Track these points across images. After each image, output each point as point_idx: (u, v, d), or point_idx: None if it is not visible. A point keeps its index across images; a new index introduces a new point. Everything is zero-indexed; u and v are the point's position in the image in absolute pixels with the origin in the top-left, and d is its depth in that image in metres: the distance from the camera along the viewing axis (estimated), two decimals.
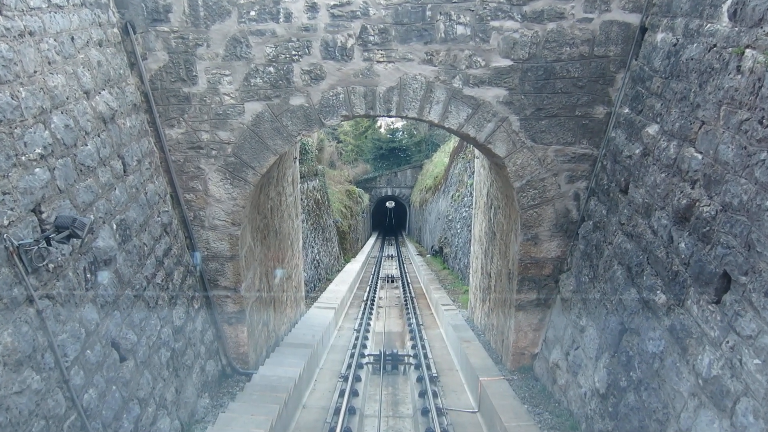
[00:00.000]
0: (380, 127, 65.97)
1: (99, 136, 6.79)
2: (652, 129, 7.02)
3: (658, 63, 7.31)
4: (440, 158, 43.82)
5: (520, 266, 9.26)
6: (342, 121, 8.66)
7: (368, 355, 13.43)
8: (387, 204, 57.90)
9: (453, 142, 39.77)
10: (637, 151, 7.29)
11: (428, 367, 12.25)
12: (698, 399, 5.03)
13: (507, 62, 8.31)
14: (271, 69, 8.37)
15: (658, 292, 6.05)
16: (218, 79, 8.41)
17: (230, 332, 9.62)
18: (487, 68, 8.35)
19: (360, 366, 12.49)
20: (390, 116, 8.64)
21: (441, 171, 38.36)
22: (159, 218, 8.11)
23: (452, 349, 13.61)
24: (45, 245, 5.07)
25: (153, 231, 7.83)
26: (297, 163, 14.38)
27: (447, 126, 8.61)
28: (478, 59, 8.31)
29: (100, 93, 7.07)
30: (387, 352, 13.21)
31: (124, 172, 7.36)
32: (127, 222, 7.08)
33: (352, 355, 13.22)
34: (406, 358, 13.36)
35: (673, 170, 6.28)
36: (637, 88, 7.84)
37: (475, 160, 14.35)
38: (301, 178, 22.99)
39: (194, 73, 8.38)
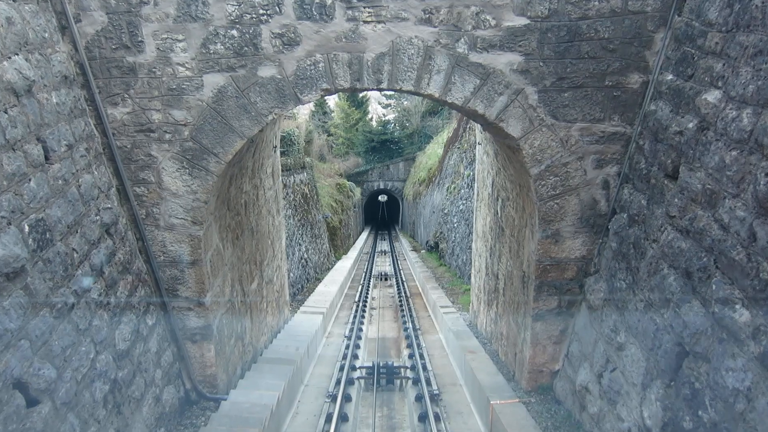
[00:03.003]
0: (371, 119, 64.67)
1: (6, 113, 5.24)
2: (712, 96, 5.54)
3: (714, 14, 5.82)
4: (434, 150, 42.35)
5: (538, 268, 7.78)
6: (323, 95, 7.14)
7: (360, 368, 11.99)
8: (379, 198, 56.54)
9: (447, 132, 38.33)
10: (690, 125, 5.81)
11: (428, 382, 10.81)
12: None
13: (522, 21, 6.81)
14: (235, 32, 6.84)
15: (738, 306, 4.57)
16: (170, 45, 6.86)
17: (194, 351, 8.10)
18: (498, 29, 6.84)
19: (350, 382, 11.03)
20: (381, 89, 7.14)
21: (435, 163, 36.91)
22: (98, 217, 6.57)
23: (454, 360, 12.14)
24: None
25: (88, 233, 6.29)
26: (277, 152, 12.85)
27: (450, 101, 7.10)
28: (487, 17, 6.81)
29: (9, 58, 5.50)
30: (381, 364, 11.79)
31: (46, 159, 5.81)
32: (48, 223, 5.53)
33: (341, 368, 11.76)
34: (402, 370, 11.93)
35: (749, 146, 4.81)
36: (683, 49, 6.35)
37: (477, 146, 12.86)
38: (287, 170, 21.50)
39: (140, 39, 6.83)
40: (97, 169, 6.87)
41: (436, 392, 10.41)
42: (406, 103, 61.30)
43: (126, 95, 7.02)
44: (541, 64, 6.94)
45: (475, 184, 13.67)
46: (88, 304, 6.00)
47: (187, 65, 6.93)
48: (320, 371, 11.98)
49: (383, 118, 65.91)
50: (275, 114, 7.12)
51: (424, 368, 11.71)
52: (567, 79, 6.99)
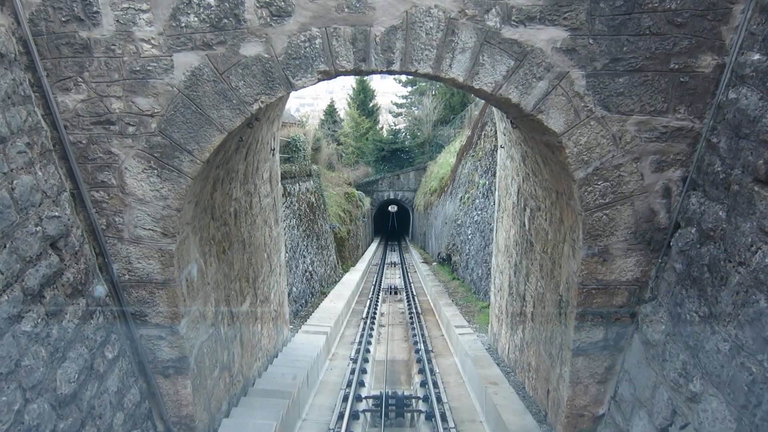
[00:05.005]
0: (382, 128, 63.51)
1: None
2: None
3: None
4: (445, 159, 40.95)
5: (581, 293, 6.41)
6: (320, 80, 5.81)
7: (366, 398, 10.61)
8: (389, 208, 55.24)
9: (459, 141, 36.96)
10: None
11: (444, 418, 9.46)
12: None
13: None
14: (211, 0, 5.56)
15: None
16: (132, 17, 5.59)
17: (167, 387, 6.78)
18: None
19: (355, 416, 9.68)
20: (392, 72, 5.82)
21: (447, 172, 35.51)
22: (38, 228, 5.28)
23: (473, 390, 10.76)
24: None
25: (23, 248, 5.00)
26: (276, 156, 11.56)
27: (477, 87, 5.78)
28: None
29: None
30: (390, 393, 10.40)
31: None
32: None
33: (345, 398, 10.41)
34: (414, 401, 10.54)
35: None
36: None
37: (499, 150, 11.52)
38: (291, 178, 20.26)
39: (95, 9, 5.55)
40: (43, 168, 5.58)
41: (453, 430, 9.05)
42: (417, 112, 60.12)
43: (79, 79, 5.75)
44: (590, 41, 5.61)
45: (496, 193, 12.32)
46: (17, 340, 4.69)
47: (153, 42, 5.65)
48: (321, 401, 10.64)
49: (394, 128, 64.66)
50: (261, 102, 5.81)
51: (439, 399, 10.34)
52: (623, 61, 5.64)
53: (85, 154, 5.96)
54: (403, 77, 59.11)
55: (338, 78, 6.22)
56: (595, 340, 6.58)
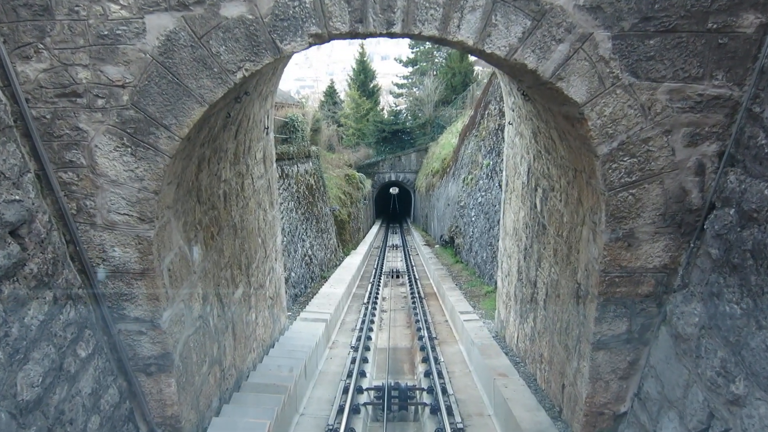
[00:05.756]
0: (382, 109, 62.69)
1: None
2: None
3: None
4: (447, 139, 40.20)
5: (603, 281, 5.80)
6: (311, 44, 5.15)
7: (367, 390, 10.06)
8: (391, 190, 54.61)
9: (461, 121, 36.21)
10: None
11: (449, 411, 8.92)
12: None
13: None
14: None
15: None
16: None
17: (150, 386, 6.22)
18: None
19: (355, 409, 9.13)
20: (392, 34, 5.17)
21: (449, 153, 34.81)
22: None
23: (480, 381, 10.21)
24: None
25: None
26: (271, 134, 10.90)
27: (488, 51, 5.12)
28: None
29: None
30: (392, 385, 9.85)
31: None
32: None
33: (345, 390, 9.89)
34: (418, 393, 9.99)
35: None
36: None
37: (507, 127, 10.85)
38: (289, 159, 19.65)
39: None
40: (2, 147, 4.96)
41: (460, 426, 8.51)
42: (418, 92, 59.28)
43: (41, 45, 5.10)
44: None
45: (503, 173, 11.68)
46: None
47: (122, 2, 4.99)
48: (320, 394, 10.10)
49: (395, 108, 63.79)
50: (246, 70, 5.17)
51: (444, 391, 9.79)
52: (654, 20, 4.98)
53: (50, 131, 5.33)
54: (404, 57, 58.64)
55: (334, 44, 5.60)
56: (618, 333, 5.99)
